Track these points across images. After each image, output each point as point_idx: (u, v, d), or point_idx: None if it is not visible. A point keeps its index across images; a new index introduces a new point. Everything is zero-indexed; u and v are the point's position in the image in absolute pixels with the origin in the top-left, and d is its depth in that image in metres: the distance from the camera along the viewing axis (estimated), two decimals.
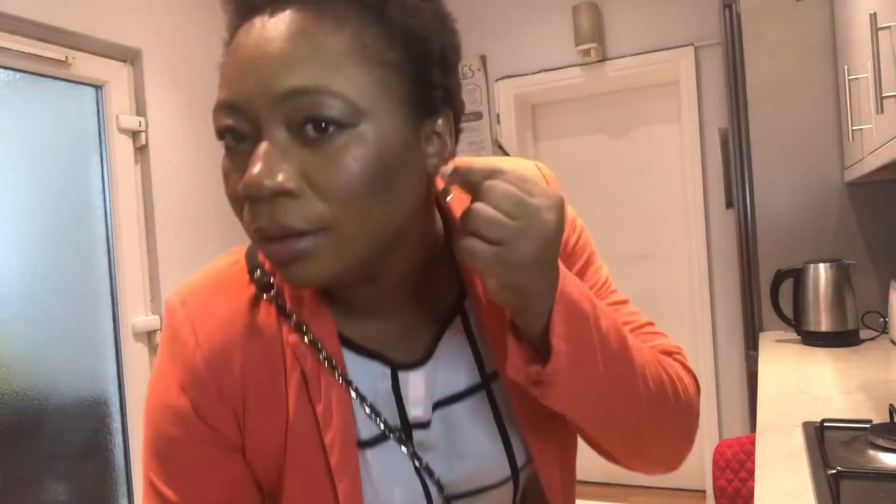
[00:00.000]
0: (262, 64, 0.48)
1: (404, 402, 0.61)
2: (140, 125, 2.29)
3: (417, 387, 0.61)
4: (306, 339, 0.58)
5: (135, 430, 2.23)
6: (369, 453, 0.59)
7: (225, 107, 0.50)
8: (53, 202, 2.10)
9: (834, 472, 0.98)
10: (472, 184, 0.51)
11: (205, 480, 0.59)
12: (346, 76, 0.48)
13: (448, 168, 0.53)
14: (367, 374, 0.61)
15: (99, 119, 2.23)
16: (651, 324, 0.71)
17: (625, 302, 0.71)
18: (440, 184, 0.54)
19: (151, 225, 2.31)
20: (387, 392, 0.61)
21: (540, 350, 0.55)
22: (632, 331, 0.67)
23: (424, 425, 0.62)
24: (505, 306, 0.54)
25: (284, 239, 0.49)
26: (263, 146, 0.48)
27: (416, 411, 0.61)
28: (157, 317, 2.30)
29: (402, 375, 0.61)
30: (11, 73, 2.00)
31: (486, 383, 0.64)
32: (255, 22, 0.50)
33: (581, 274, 0.69)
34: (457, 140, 0.58)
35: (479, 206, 0.49)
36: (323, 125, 0.48)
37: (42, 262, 2.05)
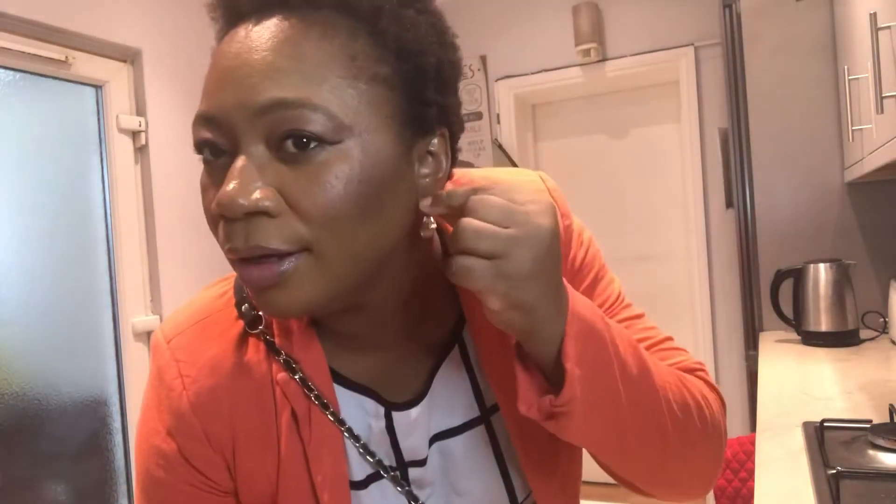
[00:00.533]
0: (242, 74, 0.46)
1: (399, 441, 0.59)
2: (140, 125, 2.29)
3: (413, 426, 0.59)
4: (297, 378, 0.55)
5: (135, 430, 2.22)
6: (363, 494, 0.58)
7: (203, 119, 0.48)
8: (53, 202, 2.10)
9: (834, 472, 0.98)
10: (457, 206, 0.48)
11: None
12: (331, 89, 0.45)
13: (426, 201, 0.50)
14: (360, 412, 0.58)
15: (99, 119, 2.23)
16: (670, 339, 0.68)
17: (640, 316, 0.68)
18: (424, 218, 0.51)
19: (151, 225, 2.31)
20: (381, 431, 0.58)
21: (553, 381, 0.52)
22: (649, 348, 0.64)
23: (421, 463, 0.59)
24: (512, 332, 0.50)
25: (261, 261, 0.46)
26: (239, 162, 0.45)
27: (411, 449, 0.59)
28: (157, 317, 2.30)
29: (396, 416, 0.58)
30: (11, 73, 1.99)
31: (486, 417, 0.61)
32: (240, 30, 0.48)
33: (592, 289, 0.65)
34: (454, 161, 0.55)
35: (465, 220, 0.46)
36: (304, 140, 0.45)
37: (42, 262, 2.05)
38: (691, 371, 0.65)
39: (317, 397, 0.56)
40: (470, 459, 0.60)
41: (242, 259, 0.46)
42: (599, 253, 0.68)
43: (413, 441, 0.59)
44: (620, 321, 0.65)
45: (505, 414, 0.60)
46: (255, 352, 0.57)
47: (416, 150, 0.51)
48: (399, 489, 0.58)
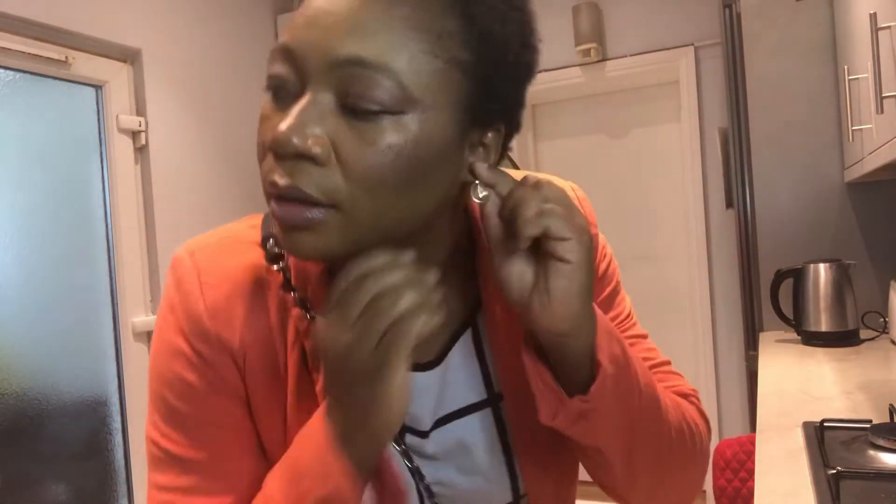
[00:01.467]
0: (330, 21, 0.46)
1: None
2: (140, 125, 2.29)
3: (419, 393, 0.59)
4: (309, 317, 0.56)
5: (135, 430, 2.23)
6: None
7: (282, 51, 0.48)
8: (53, 202, 2.09)
9: (834, 472, 0.98)
10: (508, 186, 0.51)
11: (228, 435, 0.56)
12: (410, 60, 0.46)
13: (483, 167, 0.52)
14: None
15: (99, 119, 2.23)
16: (668, 362, 0.69)
17: (644, 337, 0.70)
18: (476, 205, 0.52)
19: (151, 225, 2.31)
20: None
21: (572, 385, 0.54)
22: (650, 368, 0.66)
23: (421, 434, 0.60)
24: (559, 324, 0.51)
25: (295, 202, 0.47)
26: (304, 101, 0.46)
27: (413, 415, 0.59)
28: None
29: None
30: (11, 73, 1.99)
31: (494, 402, 0.62)
32: None
33: (609, 301, 0.67)
34: (502, 156, 0.56)
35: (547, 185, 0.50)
36: (369, 102, 0.45)
37: (42, 262, 2.05)
38: (686, 396, 0.67)
39: None
40: (476, 441, 0.61)
41: (279, 195, 0.47)
42: (618, 268, 0.70)
43: (416, 408, 0.59)
44: (628, 338, 0.67)
45: (508, 405, 0.61)
46: (273, 281, 0.57)
47: (470, 137, 0.52)
48: (395, 447, 0.58)
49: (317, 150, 0.46)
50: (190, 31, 2.48)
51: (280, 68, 0.48)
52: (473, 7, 0.49)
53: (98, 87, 2.23)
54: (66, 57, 2.08)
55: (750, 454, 1.75)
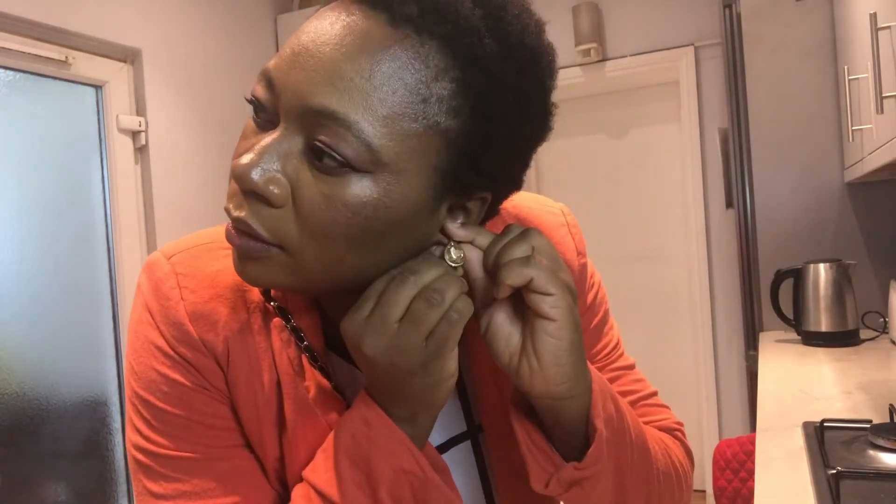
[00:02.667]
0: (311, 65, 0.44)
1: None
2: (140, 125, 2.29)
3: None
4: (289, 326, 0.55)
5: None
6: None
7: (266, 78, 0.47)
8: (53, 202, 2.10)
9: (834, 472, 0.98)
10: (489, 248, 0.50)
11: (220, 434, 0.54)
12: (385, 121, 0.43)
13: (455, 227, 0.49)
14: (351, 379, 0.57)
15: (99, 119, 2.23)
16: (655, 393, 0.69)
17: (631, 367, 0.69)
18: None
19: (151, 225, 2.31)
20: None
21: (566, 451, 0.53)
22: (637, 401, 0.66)
23: None
24: (554, 393, 0.50)
25: (245, 235, 0.46)
26: (273, 137, 0.45)
27: None
28: None
29: None
30: (11, 73, 1.99)
31: (473, 434, 0.61)
32: (336, 9, 0.46)
33: (597, 332, 0.67)
34: (490, 215, 0.53)
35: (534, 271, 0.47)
36: (334, 157, 0.43)
37: (42, 262, 2.05)
38: (671, 431, 0.66)
39: (306, 348, 0.55)
40: (455, 473, 0.59)
41: (231, 223, 0.47)
42: (606, 297, 0.69)
43: None
44: (615, 369, 0.67)
45: (489, 437, 0.60)
46: (253, 287, 0.55)
47: (447, 200, 0.49)
48: None
49: (273, 191, 0.44)
50: (190, 31, 2.48)
51: (261, 93, 0.47)
52: (471, 73, 0.45)
53: (98, 87, 2.23)
54: (66, 57, 2.08)
55: (750, 454, 1.75)
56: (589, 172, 3.31)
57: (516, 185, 0.53)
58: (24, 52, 1.97)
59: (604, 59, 3.01)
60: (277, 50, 3.09)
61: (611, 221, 3.24)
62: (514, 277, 0.47)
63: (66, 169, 2.15)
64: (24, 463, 1.96)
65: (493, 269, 0.49)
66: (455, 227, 0.50)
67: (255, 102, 0.47)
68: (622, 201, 3.25)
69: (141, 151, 2.32)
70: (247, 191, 0.45)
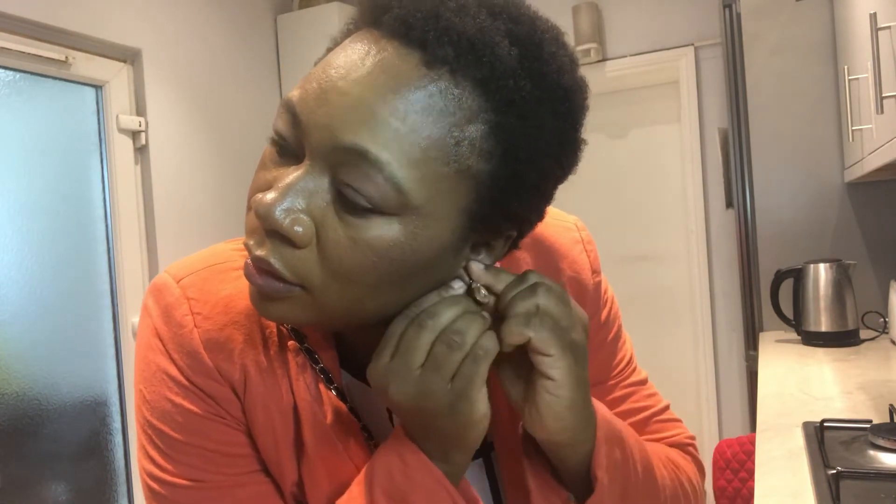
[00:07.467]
0: (342, 103, 0.42)
1: None
2: (140, 125, 2.29)
3: None
4: (304, 347, 0.54)
5: (135, 430, 2.22)
6: None
7: (289, 110, 0.45)
8: (53, 202, 2.09)
9: (834, 472, 0.98)
10: (504, 293, 0.49)
11: (237, 461, 0.53)
12: (416, 163, 0.42)
13: (478, 267, 0.49)
14: (366, 400, 0.57)
15: (99, 119, 2.23)
16: (667, 407, 0.69)
17: (644, 382, 0.69)
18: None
19: (151, 225, 2.31)
20: (384, 423, 0.57)
21: (572, 485, 0.54)
22: (650, 418, 0.66)
23: None
24: (558, 436, 0.50)
25: (266, 274, 0.45)
26: (297, 174, 0.43)
27: None
28: None
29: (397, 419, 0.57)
30: (11, 73, 1.99)
31: (485, 452, 0.61)
32: (365, 41, 0.44)
33: (612, 347, 0.67)
34: (511, 249, 0.52)
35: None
36: (361, 197, 0.42)
37: (42, 262, 2.05)
38: (682, 446, 0.67)
39: (322, 370, 0.54)
40: None
41: (252, 261, 0.46)
42: (619, 312, 0.69)
43: None
44: (628, 385, 0.67)
45: (500, 454, 0.60)
46: None
47: (472, 239, 0.48)
48: None
49: (298, 231, 0.43)
50: (190, 31, 2.48)
51: (284, 128, 0.45)
52: (505, 116, 0.44)
53: (98, 87, 2.23)
54: (66, 57, 2.08)
55: (750, 454, 1.75)
56: (589, 172, 3.29)
57: (540, 219, 0.52)
58: (24, 52, 1.97)
59: (604, 59, 3.01)
60: (278, 50, 3.06)
61: (610, 221, 3.24)
62: (512, 336, 0.47)
63: (66, 169, 2.15)
64: (24, 463, 1.95)
65: (502, 317, 0.48)
66: (479, 269, 0.49)
67: (278, 137, 0.46)
68: (622, 201, 3.25)
69: (141, 151, 2.32)
70: (270, 230, 0.44)
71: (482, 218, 0.46)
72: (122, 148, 2.26)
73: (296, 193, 0.43)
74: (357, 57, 0.44)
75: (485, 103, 0.44)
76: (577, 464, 0.53)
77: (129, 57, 2.31)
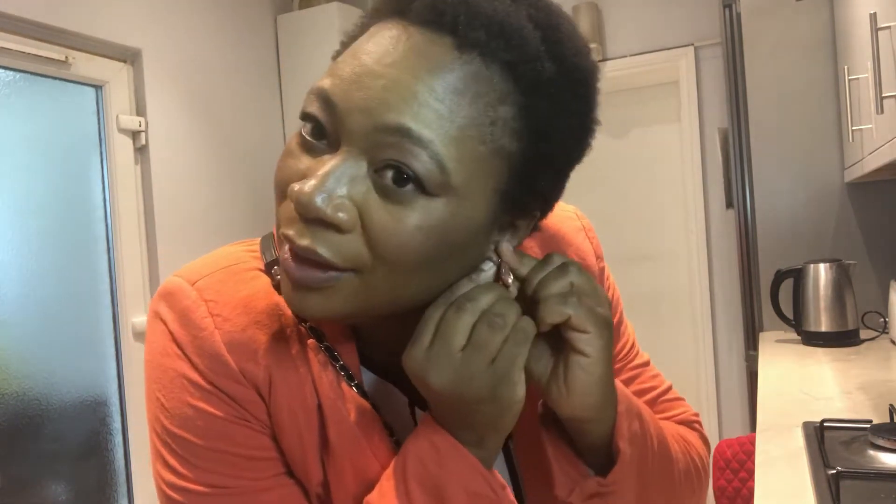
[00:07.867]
0: (380, 85, 0.43)
1: None
2: (140, 125, 2.29)
3: None
4: (323, 346, 0.53)
5: (135, 430, 2.22)
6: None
7: (322, 97, 0.45)
8: (53, 202, 2.09)
9: (834, 472, 0.98)
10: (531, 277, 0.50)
11: (261, 465, 0.52)
12: (457, 143, 0.43)
13: (508, 249, 0.50)
14: (386, 397, 0.57)
15: (99, 119, 2.23)
16: (671, 387, 0.70)
17: (647, 364, 0.70)
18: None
19: (151, 225, 2.31)
20: (405, 419, 0.57)
21: (592, 461, 0.55)
22: (655, 398, 0.68)
23: None
24: (580, 416, 0.51)
25: (311, 264, 0.44)
26: (335, 161, 0.43)
27: None
28: None
29: (420, 413, 0.57)
30: (11, 73, 1.99)
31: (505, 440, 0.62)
32: (396, 28, 0.45)
33: (616, 332, 0.67)
34: (534, 230, 0.54)
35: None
36: (405, 178, 0.43)
37: (42, 262, 2.05)
38: (689, 423, 0.68)
39: (342, 367, 0.53)
40: None
41: (294, 253, 0.45)
42: (620, 298, 0.70)
43: None
44: (632, 368, 0.69)
45: (518, 441, 0.60)
46: (286, 310, 0.53)
47: (501, 220, 0.49)
48: None
49: (342, 217, 0.43)
50: (190, 31, 2.48)
51: (318, 111, 0.45)
52: (533, 98, 0.46)
53: (98, 87, 2.23)
54: (66, 57, 2.08)
55: (750, 454, 1.75)
56: (589, 172, 3.29)
57: (559, 199, 0.54)
58: (24, 52, 1.97)
59: (604, 59, 3.01)
60: (278, 50, 3.06)
61: (611, 221, 3.24)
62: (553, 316, 0.48)
63: (66, 169, 2.15)
64: (25, 463, 1.96)
65: (532, 298, 0.49)
66: (507, 250, 0.50)
67: (311, 120, 0.45)
68: (622, 201, 3.25)
69: (141, 151, 2.32)
70: (312, 219, 0.43)
71: (512, 199, 0.48)
72: (122, 148, 2.26)
73: (336, 180, 0.43)
74: (388, 43, 0.44)
75: (513, 85, 0.45)
76: (598, 438, 0.53)
77: (129, 57, 2.31)
